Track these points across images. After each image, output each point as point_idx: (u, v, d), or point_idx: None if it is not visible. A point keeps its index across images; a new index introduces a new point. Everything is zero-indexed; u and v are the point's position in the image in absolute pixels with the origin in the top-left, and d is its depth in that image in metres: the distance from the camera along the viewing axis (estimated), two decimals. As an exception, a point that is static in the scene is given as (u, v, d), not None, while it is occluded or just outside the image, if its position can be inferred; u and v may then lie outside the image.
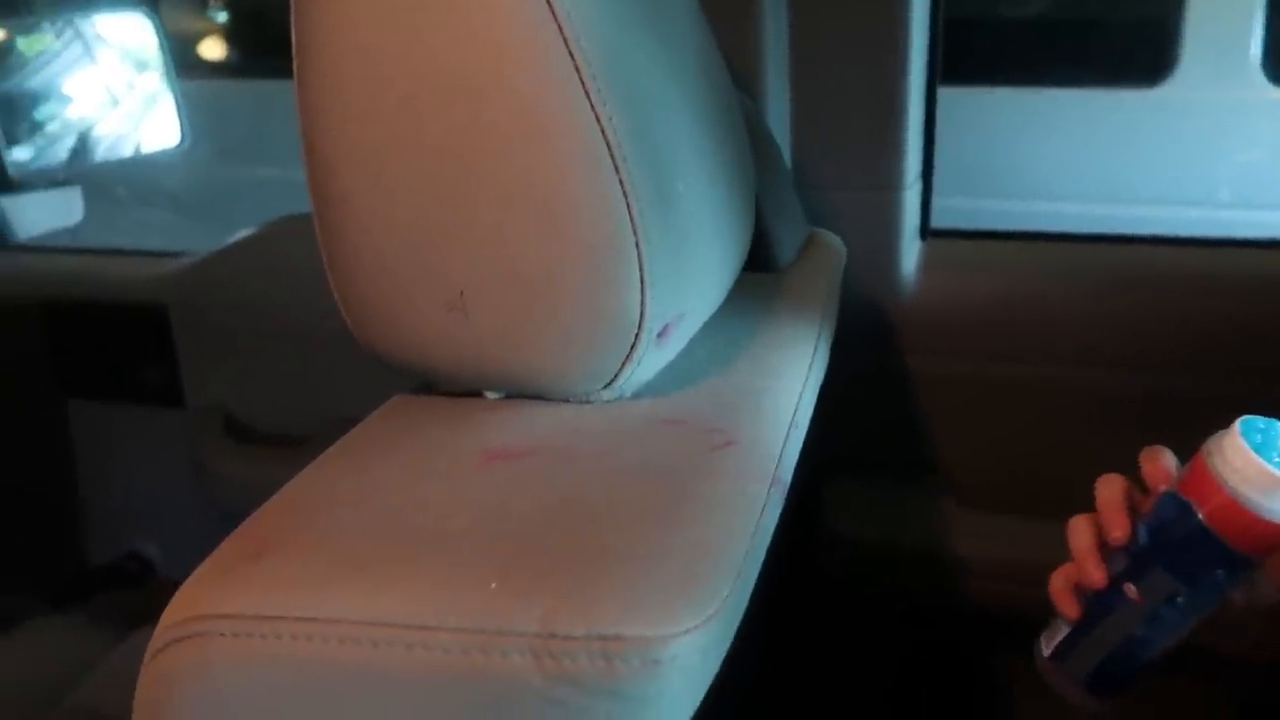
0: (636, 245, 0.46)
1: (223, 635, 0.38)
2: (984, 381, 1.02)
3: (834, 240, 0.89)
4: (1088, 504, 0.73)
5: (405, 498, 0.45)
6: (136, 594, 1.46)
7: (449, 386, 0.55)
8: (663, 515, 0.42)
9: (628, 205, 0.45)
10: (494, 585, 0.37)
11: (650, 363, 0.51)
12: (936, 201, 1.06)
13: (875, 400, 1.05)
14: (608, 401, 0.51)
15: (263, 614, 0.38)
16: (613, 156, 0.44)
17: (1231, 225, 1.88)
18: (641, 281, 0.46)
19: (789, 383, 0.59)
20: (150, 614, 1.24)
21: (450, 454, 0.47)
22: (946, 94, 1.03)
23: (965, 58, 1.04)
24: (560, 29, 0.44)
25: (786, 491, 0.50)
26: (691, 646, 0.36)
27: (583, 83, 0.44)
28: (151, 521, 1.46)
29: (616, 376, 0.49)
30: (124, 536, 1.47)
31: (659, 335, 0.49)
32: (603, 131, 0.44)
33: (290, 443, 1.32)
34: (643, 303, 0.47)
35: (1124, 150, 1.92)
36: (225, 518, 1.38)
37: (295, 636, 0.37)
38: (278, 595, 0.39)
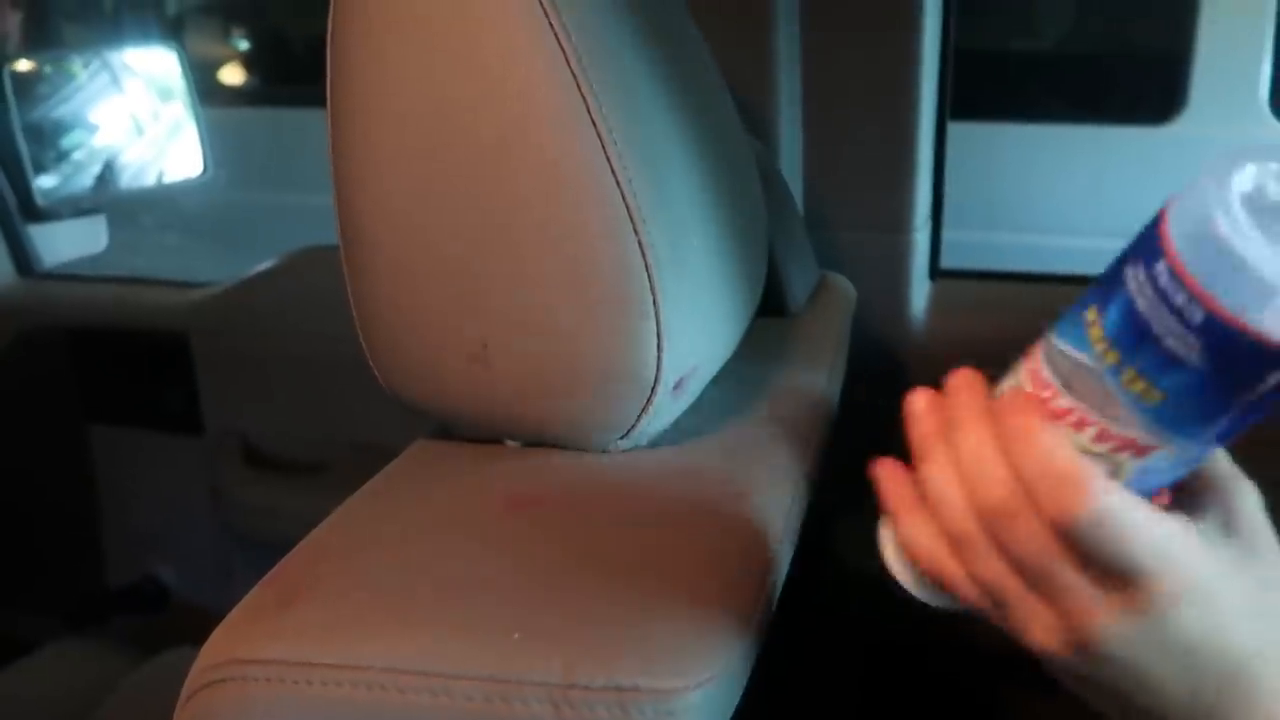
0: (654, 302, 0.47)
1: (257, 680, 0.40)
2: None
3: (844, 284, 0.91)
4: None
5: (430, 545, 0.46)
6: (153, 618, 1.48)
7: (469, 433, 0.56)
8: (678, 568, 0.43)
9: (645, 263, 0.47)
10: (517, 636, 0.39)
11: (666, 413, 0.53)
12: (946, 236, 1.07)
13: (886, 440, 1.06)
14: (624, 451, 0.53)
15: (295, 660, 0.40)
16: (631, 217, 0.46)
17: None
18: (658, 336, 0.48)
19: (801, 430, 0.60)
20: (166, 638, 1.25)
21: (473, 502, 0.49)
22: (956, 129, 1.04)
23: (975, 93, 1.05)
24: (581, 90, 0.46)
25: (797, 540, 0.52)
26: (705, 698, 0.38)
27: (603, 143, 0.46)
28: (168, 546, 1.48)
29: (633, 427, 0.51)
30: (141, 560, 1.49)
31: (674, 387, 0.51)
32: (622, 192, 0.46)
33: (308, 470, 1.34)
34: (659, 356, 0.49)
35: (1133, 186, 1.94)
36: (242, 544, 1.40)
37: (325, 682, 0.39)
38: (309, 642, 0.40)
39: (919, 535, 0.37)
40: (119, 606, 1.48)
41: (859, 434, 0.85)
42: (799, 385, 0.66)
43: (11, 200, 1.45)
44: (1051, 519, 0.33)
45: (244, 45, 3.13)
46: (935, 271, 1.07)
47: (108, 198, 1.64)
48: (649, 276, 0.47)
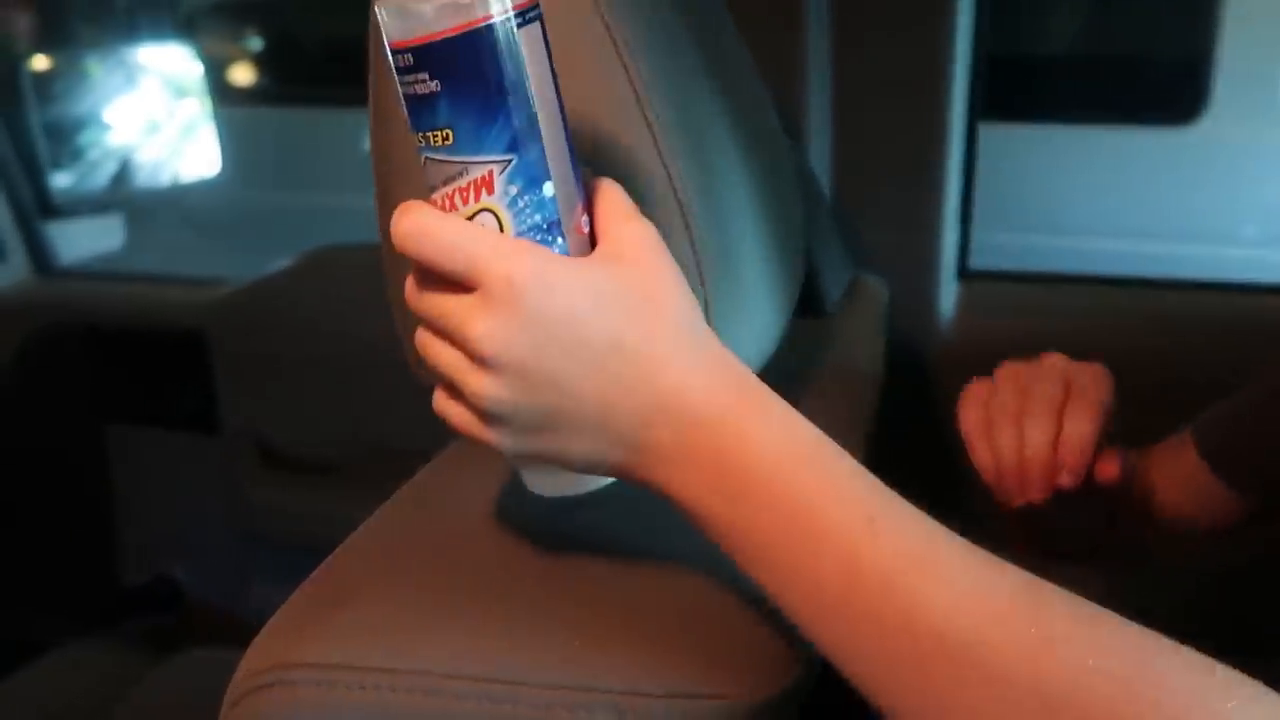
0: (705, 300, 0.46)
1: (305, 684, 0.39)
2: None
3: (878, 284, 0.90)
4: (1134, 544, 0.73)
5: (476, 549, 0.45)
6: (166, 618, 1.47)
7: None
8: (735, 571, 0.42)
9: (697, 260, 0.46)
10: (576, 641, 0.38)
11: None
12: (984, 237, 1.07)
13: (914, 439, 1.05)
14: None
15: (346, 663, 0.39)
16: (683, 214, 0.45)
17: (1261, 264, 1.88)
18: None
19: (844, 431, 0.59)
20: (181, 639, 1.24)
21: (516, 505, 0.48)
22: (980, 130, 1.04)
23: (996, 95, 1.05)
24: (634, 88, 0.45)
25: None
26: (770, 707, 0.37)
27: (655, 140, 0.45)
28: (182, 546, 1.47)
29: None
30: (155, 561, 1.48)
31: None
32: (673, 188, 0.45)
33: (323, 471, 1.33)
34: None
35: (1154, 188, 1.92)
36: (257, 544, 1.39)
37: (379, 686, 0.38)
38: (361, 645, 0.39)
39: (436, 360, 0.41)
40: (133, 607, 1.47)
41: (890, 432, 0.84)
42: (841, 386, 0.65)
43: (29, 197, 1.44)
44: (401, 253, 0.39)
45: (256, 45, 3.13)
46: (964, 271, 1.06)
47: (122, 195, 1.64)
48: (700, 274, 0.46)
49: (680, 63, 0.49)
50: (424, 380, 0.55)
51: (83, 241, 1.50)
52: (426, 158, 0.38)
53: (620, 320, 0.38)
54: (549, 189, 0.38)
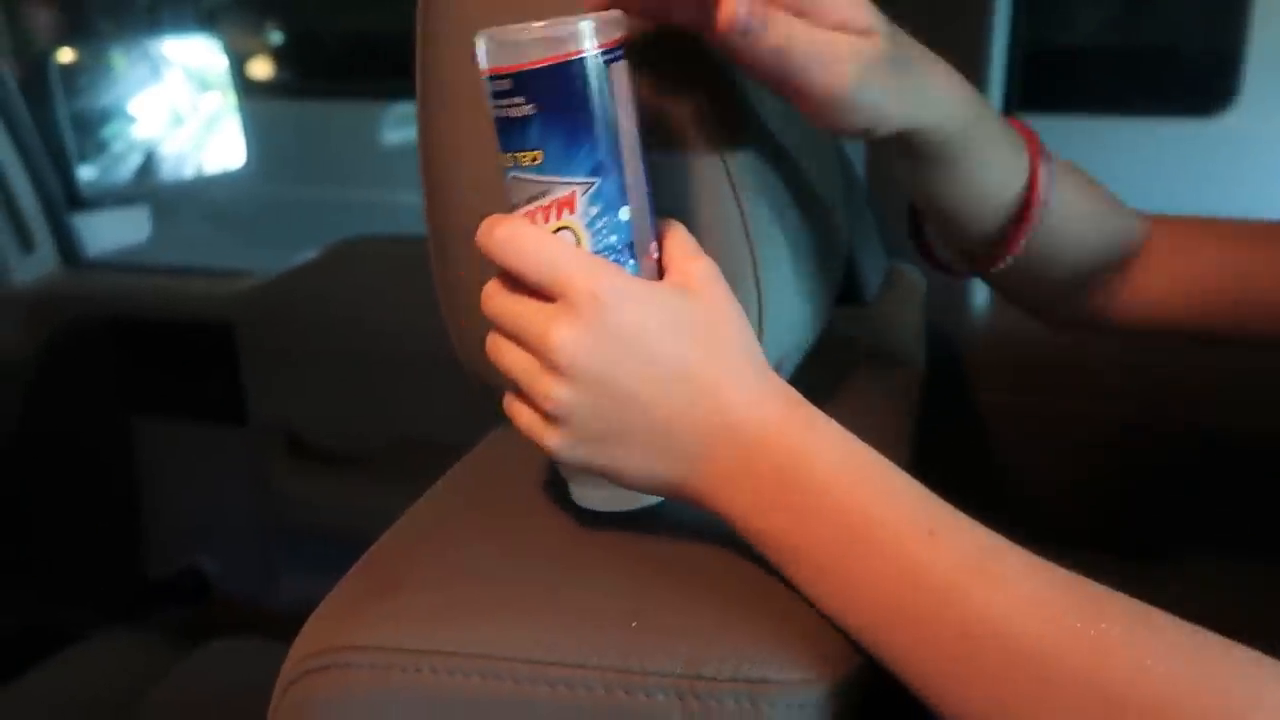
0: (755, 275, 0.46)
1: (360, 667, 0.38)
2: (1056, 415, 1.01)
3: (914, 273, 0.89)
4: (1164, 539, 0.71)
5: (526, 533, 0.45)
6: (193, 609, 1.48)
7: None
8: None
9: (747, 234, 0.45)
10: (635, 624, 0.37)
11: None
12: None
13: (947, 431, 1.04)
14: None
15: (403, 647, 0.38)
16: (734, 189, 0.45)
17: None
18: (760, 310, 0.47)
19: (891, 419, 0.59)
20: (208, 629, 1.24)
21: (565, 490, 0.47)
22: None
23: (1022, 86, 1.04)
24: (694, 75, 0.44)
25: None
26: (838, 692, 0.36)
27: (711, 120, 0.45)
28: (210, 537, 1.47)
29: None
30: (182, 551, 1.48)
31: (774, 368, 0.49)
32: (730, 181, 0.45)
33: (351, 462, 1.33)
34: (761, 334, 0.47)
35: (1181, 180, 1.90)
36: (284, 535, 1.39)
37: (436, 670, 0.38)
38: (417, 628, 0.39)
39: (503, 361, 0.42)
40: (161, 598, 1.48)
41: (927, 419, 0.83)
42: (884, 375, 0.64)
43: (57, 189, 1.44)
44: (492, 261, 0.41)
45: (277, 38, 3.14)
46: (997, 263, 1.06)
47: (148, 187, 1.65)
48: (750, 248, 0.46)
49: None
50: (474, 376, 0.55)
51: (109, 233, 1.50)
52: (513, 176, 0.41)
53: (688, 343, 0.40)
54: (625, 213, 0.41)
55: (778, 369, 0.50)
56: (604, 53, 0.39)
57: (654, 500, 0.45)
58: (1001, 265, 0.55)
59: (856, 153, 0.99)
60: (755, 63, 0.40)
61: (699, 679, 0.36)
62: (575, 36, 0.38)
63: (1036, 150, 0.54)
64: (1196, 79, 1.98)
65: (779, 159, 0.51)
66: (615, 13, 0.40)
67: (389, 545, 0.46)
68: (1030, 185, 0.53)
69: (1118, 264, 0.60)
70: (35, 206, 1.41)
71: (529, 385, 0.40)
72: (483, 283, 0.51)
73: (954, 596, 0.36)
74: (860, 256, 0.76)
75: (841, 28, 0.41)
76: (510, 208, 0.41)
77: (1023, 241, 0.54)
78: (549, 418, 0.40)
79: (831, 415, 0.55)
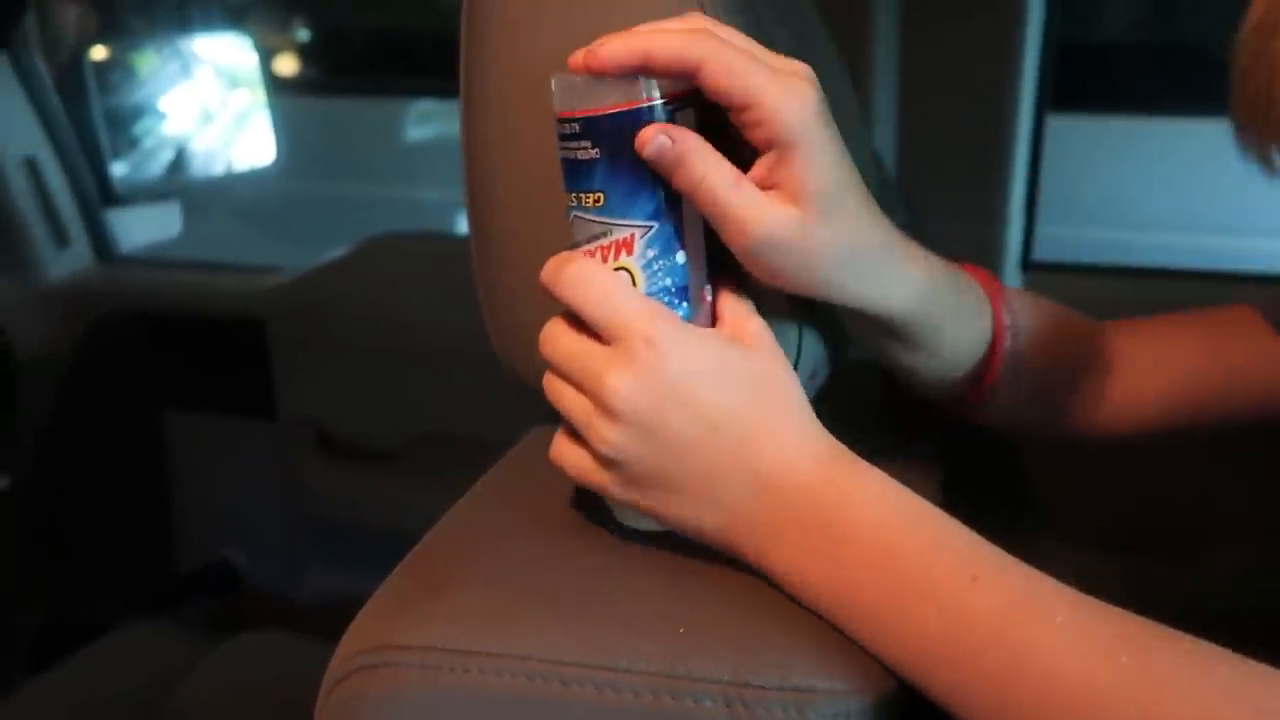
0: (790, 296, 0.46)
1: (410, 666, 0.39)
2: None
3: None
4: (1196, 542, 0.70)
5: (573, 536, 0.45)
6: (222, 601, 1.49)
7: None
8: None
9: None
10: (682, 630, 0.38)
11: None
12: (1042, 230, 1.05)
13: (976, 434, 1.04)
14: None
15: (451, 647, 0.39)
16: None
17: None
18: (799, 333, 0.47)
19: (924, 426, 0.59)
20: (236, 622, 1.25)
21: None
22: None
23: (1067, 85, 1.03)
24: None
25: None
26: (881, 703, 0.36)
27: None
28: (239, 531, 1.49)
29: None
30: (212, 544, 1.50)
31: (810, 377, 0.50)
32: None
33: (380, 458, 1.34)
34: (799, 342, 0.47)
35: (1225, 182, 1.87)
36: (313, 529, 1.39)
37: (484, 671, 0.38)
38: (465, 629, 0.39)
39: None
40: (190, 590, 1.50)
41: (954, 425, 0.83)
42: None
43: (91, 185, 1.46)
44: (555, 298, 0.42)
45: (304, 36, 3.16)
46: (1028, 263, 1.05)
47: (180, 184, 1.66)
48: None
49: (775, 44, 0.49)
50: (512, 375, 0.55)
51: (141, 229, 1.52)
52: (575, 215, 0.42)
53: (739, 394, 0.41)
54: (680, 256, 0.42)
55: (811, 378, 0.50)
56: (670, 102, 0.40)
57: None
58: (974, 414, 0.56)
59: (887, 151, 0.99)
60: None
61: (746, 687, 0.36)
62: (644, 87, 0.39)
63: (997, 299, 0.54)
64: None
65: None
66: None
67: (434, 545, 0.46)
68: (994, 340, 0.53)
69: (1096, 379, 0.60)
70: (70, 202, 1.42)
71: (585, 427, 0.41)
72: (524, 285, 0.51)
73: (1002, 638, 0.36)
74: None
75: (775, 188, 0.40)
76: (571, 245, 0.43)
77: (989, 389, 0.54)
78: (601, 459, 0.41)
79: (863, 430, 0.56)
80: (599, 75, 0.39)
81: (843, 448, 0.42)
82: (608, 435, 0.40)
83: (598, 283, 0.41)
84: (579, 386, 0.41)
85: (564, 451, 0.43)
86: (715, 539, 0.42)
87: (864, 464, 0.42)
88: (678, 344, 0.40)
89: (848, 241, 0.42)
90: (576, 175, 0.41)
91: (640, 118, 0.39)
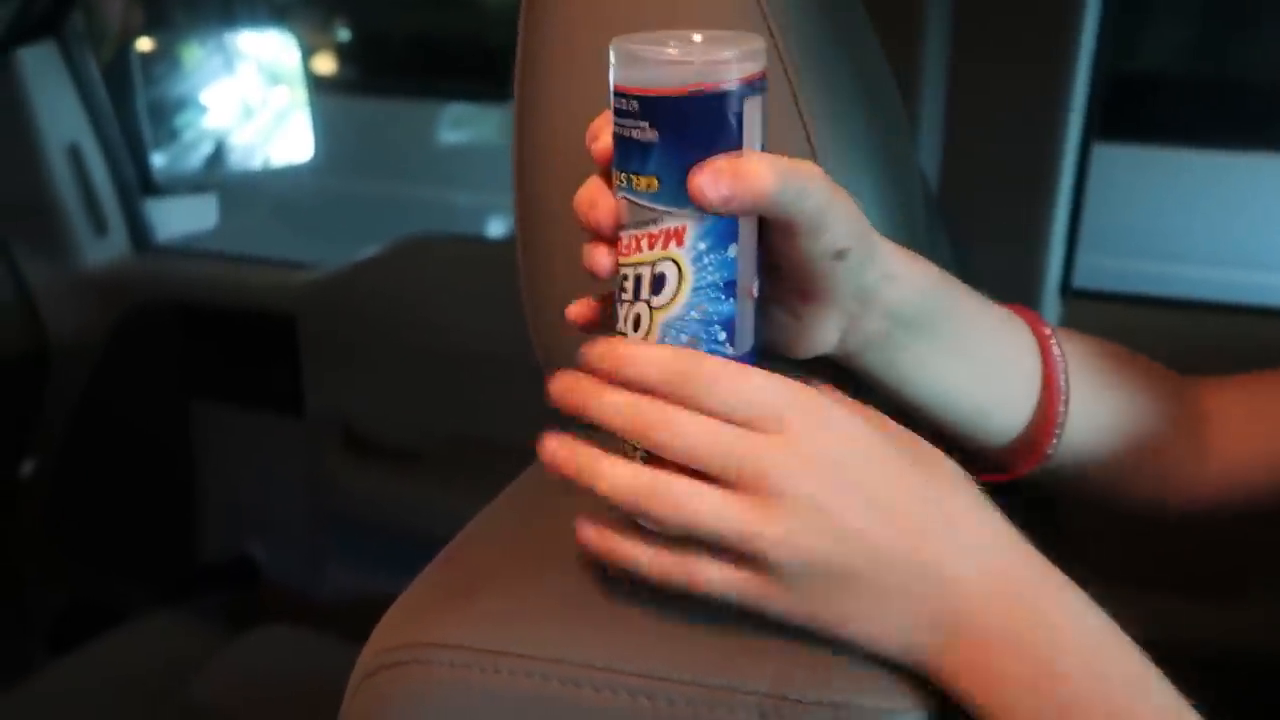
0: None
1: (441, 664, 0.39)
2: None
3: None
4: (1224, 578, 0.67)
5: None
6: (242, 594, 1.49)
7: None
8: None
9: None
10: (715, 641, 0.37)
11: None
12: (1081, 259, 1.04)
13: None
14: None
15: (483, 647, 0.38)
16: None
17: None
18: None
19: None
20: (255, 615, 1.26)
21: None
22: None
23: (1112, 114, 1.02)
24: (792, 87, 0.44)
25: None
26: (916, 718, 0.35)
27: (808, 137, 0.44)
28: (261, 524, 1.49)
29: None
30: (233, 537, 1.50)
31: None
32: None
33: (406, 457, 1.34)
34: None
35: (1266, 216, 1.85)
36: (336, 526, 1.39)
37: (515, 672, 0.38)
38: (498, 630, 0.39)
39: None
40: (210, 581, 1.50)
41: None
42: None
43: (132, 175, 1.47)
44: (684, 401, 0.36)
45: (345, 35, 3.19)
46: (1067, 290, 1.04)
47: (218, 177, 1.68)
48: None
49: (835, 60, 0.49)
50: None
51: (179, 220, 1.53)
52: (624, 196, 0.39)
53: (899, 472, 0.37)
54: (732, 250, 0.39)
55: None
56: (741, 88, 0.37)
57: None
58: (1034, 467, 0.49)
59: (930, 173, 0.99)
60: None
61: (784, 700, 0.35)
62: (713, 68, 0.36)
63: (1040, 328, 0.49)
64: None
65: (863, 178, 0.50)
66: (758, 44, 0.37)
67: (465, 546, 0.46)
68: (1046, 373, 0.48)
69: (1181, 437, 0.53)
70: (110, 191, 1.44)
71: (739, 529, 0.35)
72: (572, 297, 0.51)
73: None
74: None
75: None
76: (619, 226, 0.40)
77: (1053, 438, 0.48)
78: (762, 566, 0.35)
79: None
80: (663, 59, 0.36)
81: (1036, 554, 0.37)
82: (768, 532, 0.35)
83: (726, 376, 0.36)
84: (725, 482, 0.35)
85: (702, 570, 0.36)
86: (911, 652, 0.36)
87: (1058, 573, 0.37)
88: (833, 420, 0.36)
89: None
90: (630, 155, 0.38)
91: (707, 104, 0.36)
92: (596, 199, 0.39)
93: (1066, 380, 0.48)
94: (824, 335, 0.42)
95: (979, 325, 0.46)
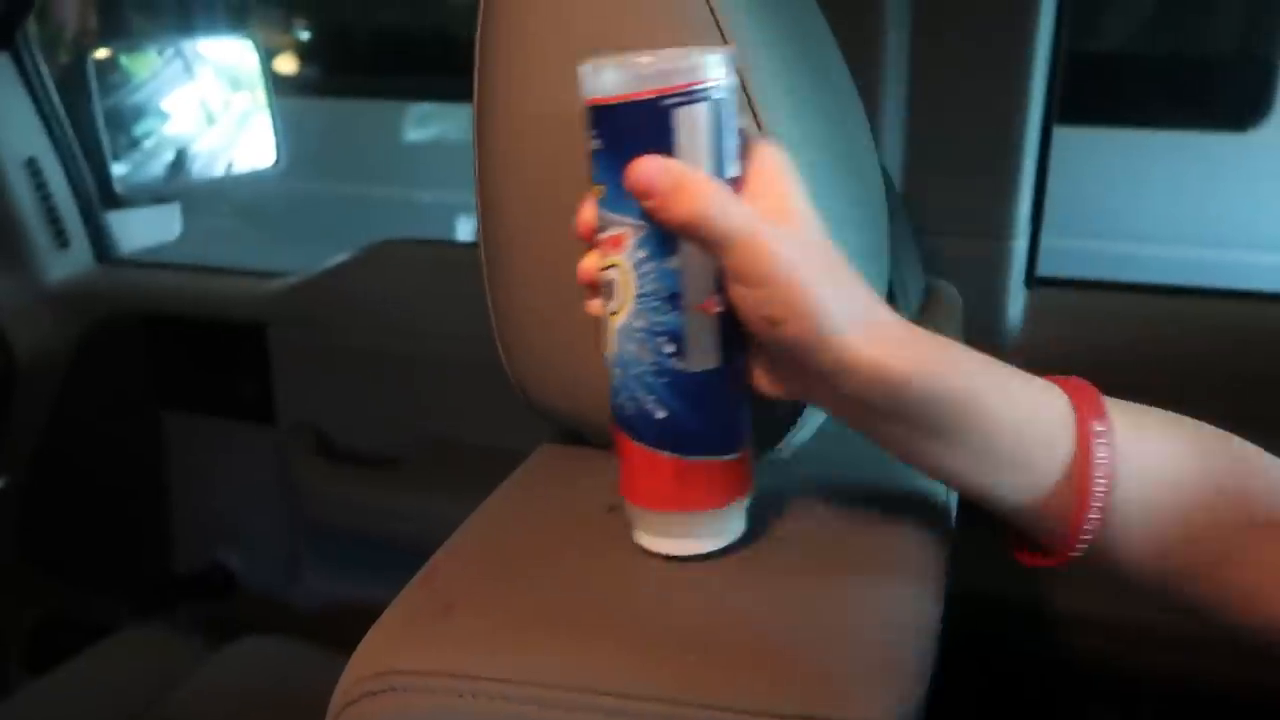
0: None
1: (418, 691, 0.39)
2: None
3: (951, 291, 0.89)
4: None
5: (583, 557, 0.45)
6: (217, 605, 1.48)
7: (602, 440, 0.55)
8: (856, 592, 0.41)
9: None
10: (695, 658, 0.37)
11: (812, 424, 0.51)
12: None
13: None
14: (770, 462, 0.51)
15: (458, 672, 0.38)
16: None
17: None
18: None
19: None
20: (232, 625, 1.25)
21: (623, 512, 0.47)
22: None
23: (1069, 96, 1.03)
24: (748, 92, 0.44)
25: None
26: None
27: (760, 127, 0.45)
28: (236, 534, 1.48)
29: (783, 437, 0.49)
30: (207, 548, 1.49)
31: None
32: None
33: (379, 463, 1.34)
34: None
35: (1212, 194, 1.88)
36: (311, 534, 1.39)
37: (492, 697, 0.38)
38: (474, 653, 0.39)
39: None
40: (188, 593, 1.49)
41: None
42: None
43: (93, 187, 1.45)
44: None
45: (305, 35, 3.16)
46: (1032, 279, 1.05)
47: (181, 186, 1.65)
48: None
49: (786, 61, 0.49)
50: (519, 390, 0.55)
51: (142, 231, 1.51)
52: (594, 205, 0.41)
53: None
54: (674, 262, 0.40)
55: None
56: (665, 98, 0.37)
57: (717, 546, 0.44)
58: (1074, 554, 0.42)
59: (893, 163, 0.99)
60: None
61: (767, 715, 0.35)
62: (640, 77, 0.37)
63: (1086, 424, 0.41)
64: (1229, 92, 1.96)
65: (825, 175, 0.51)
66: (699, 57, 0.38)
67: (442, 565, 0.46)
68: (1080, 443, 0.40)
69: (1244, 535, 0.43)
70: (71, 204, 1.42)
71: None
72: (537, 307, 0.51)
73: None
74: (900, 274, 0.76)
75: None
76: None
77: (1089, 517, 0.40)
78: None
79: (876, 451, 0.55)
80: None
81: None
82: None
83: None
84: None
85: None
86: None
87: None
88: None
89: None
90: (591, 166, 0.40)
91: (629, 110, 0.38)
92: (584, 212, 0.42)
93: (1109, 482, 0.41)
94: (792, 390, 0.42)
95: (983, 421, 0.40)
